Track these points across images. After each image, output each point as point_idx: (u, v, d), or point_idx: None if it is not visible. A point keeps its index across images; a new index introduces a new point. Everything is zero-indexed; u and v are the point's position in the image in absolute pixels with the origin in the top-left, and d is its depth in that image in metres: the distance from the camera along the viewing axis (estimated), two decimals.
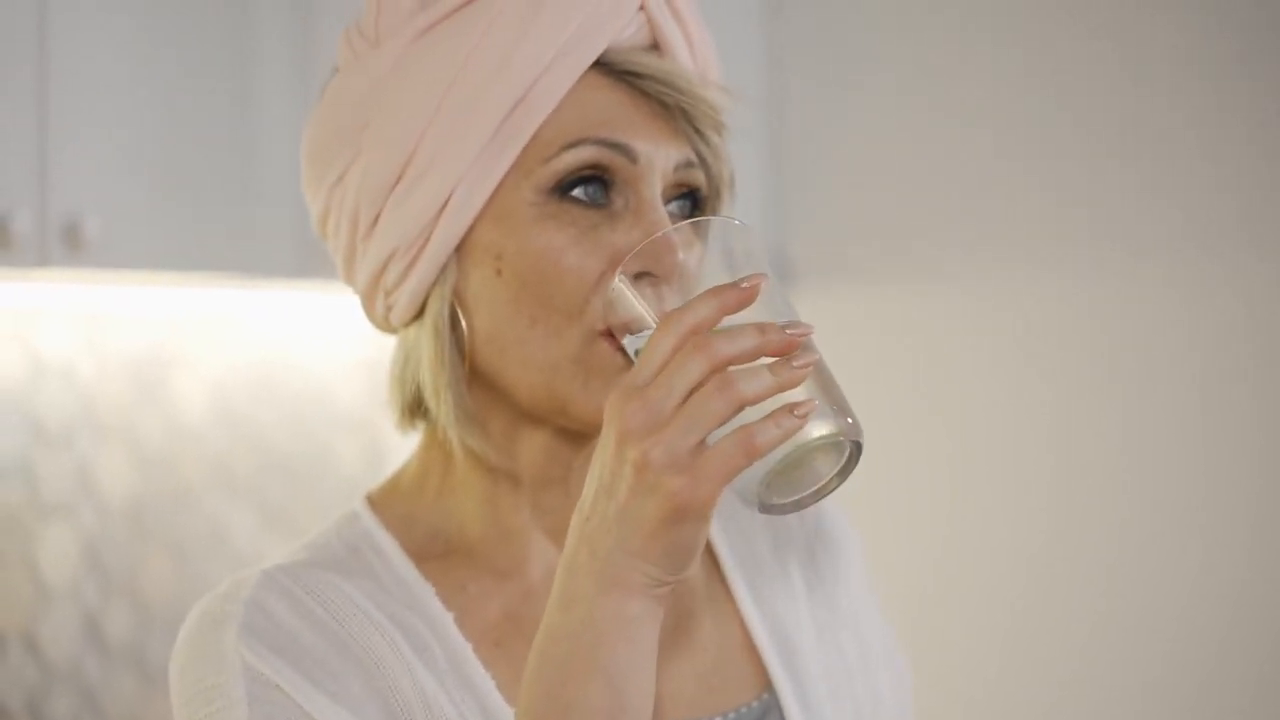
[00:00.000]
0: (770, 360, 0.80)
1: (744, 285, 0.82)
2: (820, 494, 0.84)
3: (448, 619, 0.96)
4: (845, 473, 0.84)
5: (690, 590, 1.04)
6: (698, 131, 0.98)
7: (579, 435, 0.98)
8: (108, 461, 2.00)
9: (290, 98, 1.86)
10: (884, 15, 2.30)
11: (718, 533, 1.06)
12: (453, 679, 0.95)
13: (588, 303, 0.94)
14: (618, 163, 0.95)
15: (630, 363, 0.91)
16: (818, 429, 0.82)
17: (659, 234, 0.88)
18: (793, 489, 0.83)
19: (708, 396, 0.79)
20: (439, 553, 1.00)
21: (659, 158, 0.96)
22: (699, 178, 0.99)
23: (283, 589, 0.94)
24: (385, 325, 1.01)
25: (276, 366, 2.26)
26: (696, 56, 1.01)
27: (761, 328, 0.80)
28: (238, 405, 2.19)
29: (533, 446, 0.99)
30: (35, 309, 1.92)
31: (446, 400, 0.97)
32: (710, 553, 1.06)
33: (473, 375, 0.98)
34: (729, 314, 0.81)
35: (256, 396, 2.22)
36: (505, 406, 0.98)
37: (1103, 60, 2.14)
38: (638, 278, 0.89)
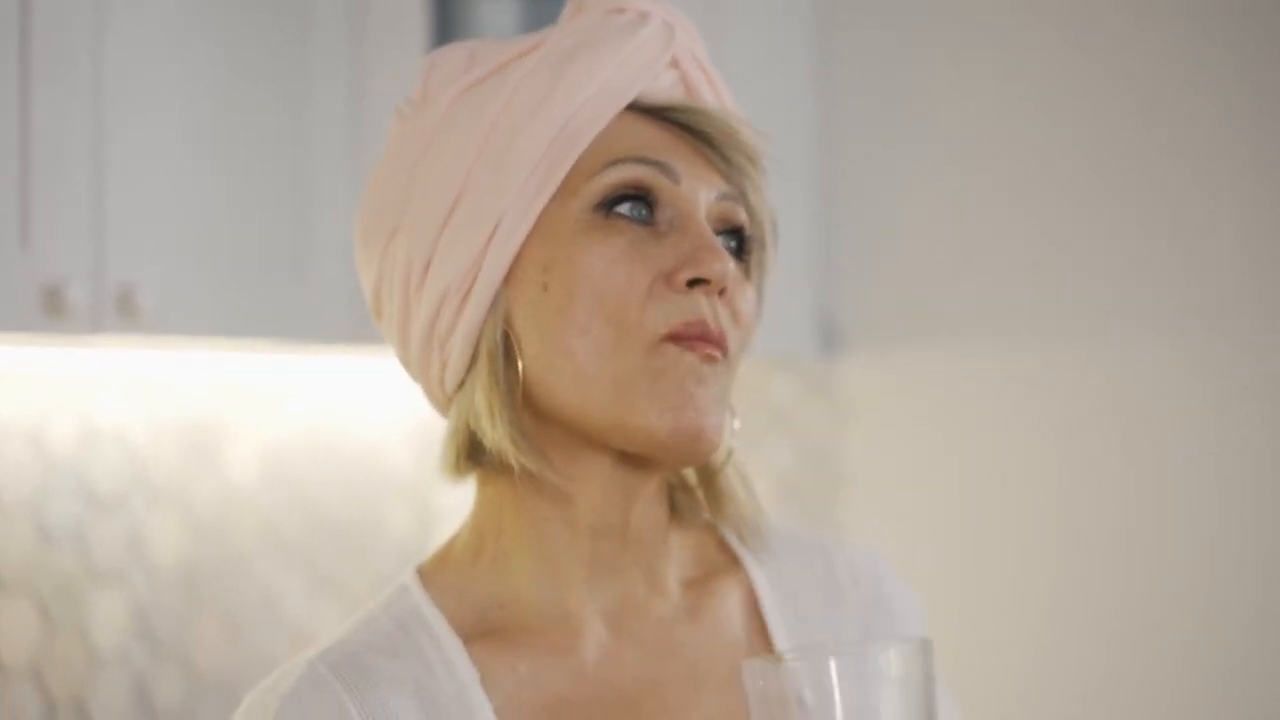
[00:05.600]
0: None
1: None
2: None
3: (488, 712, 0.96)
4: None
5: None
6: (735, 165, 1.00)
7: (640, 464, 0.98)
8: (159, 527, 2.01)
9: (344, 166, 1.88)
10: (937, 83, 2.31)
11: (772, 607, 1.06)
12: None
13: (643, 311, 0.95)
14: (660, 182, 0.97)
15: (704, 359, 0.93)
16: None
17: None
18: None
19: None
20: (492, 627, 1.00)
21: (701, 186, 0.98)
22: (741, 214, 1.00)
23: (324, 685, 0.95)
24: (440, 394, 1.02)
25: (328, 432, 2.26)
26: (726, 108, 1.04)
27: None
28: (289, 471, 2.19)
29: (593, 478, 0.99)
30: (89, 376, 1.93)
31: (502, 419, 0.96)
32: (763, 628, 1.05)
33: (529, 405, 0.98)
34: None
35: (308, 462, 2.23)
36: (563, 434, 0.98)
37: (1154, 142, 2.15)
38: (691, 284, 0.91)
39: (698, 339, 0.95)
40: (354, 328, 1.86)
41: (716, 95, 1.03)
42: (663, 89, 1.00)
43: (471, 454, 1.00)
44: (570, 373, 0.95)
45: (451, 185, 0.97)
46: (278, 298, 1.81)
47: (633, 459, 0.98)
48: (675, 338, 0.95)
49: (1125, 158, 2.17)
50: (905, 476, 2.32)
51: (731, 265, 0.96)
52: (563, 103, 0.96)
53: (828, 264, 2.36)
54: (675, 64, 1.01)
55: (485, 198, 0.96)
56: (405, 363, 1.03)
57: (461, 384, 0.99)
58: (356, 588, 2.27)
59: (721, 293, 0.97)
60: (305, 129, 1.85)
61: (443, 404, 1.02)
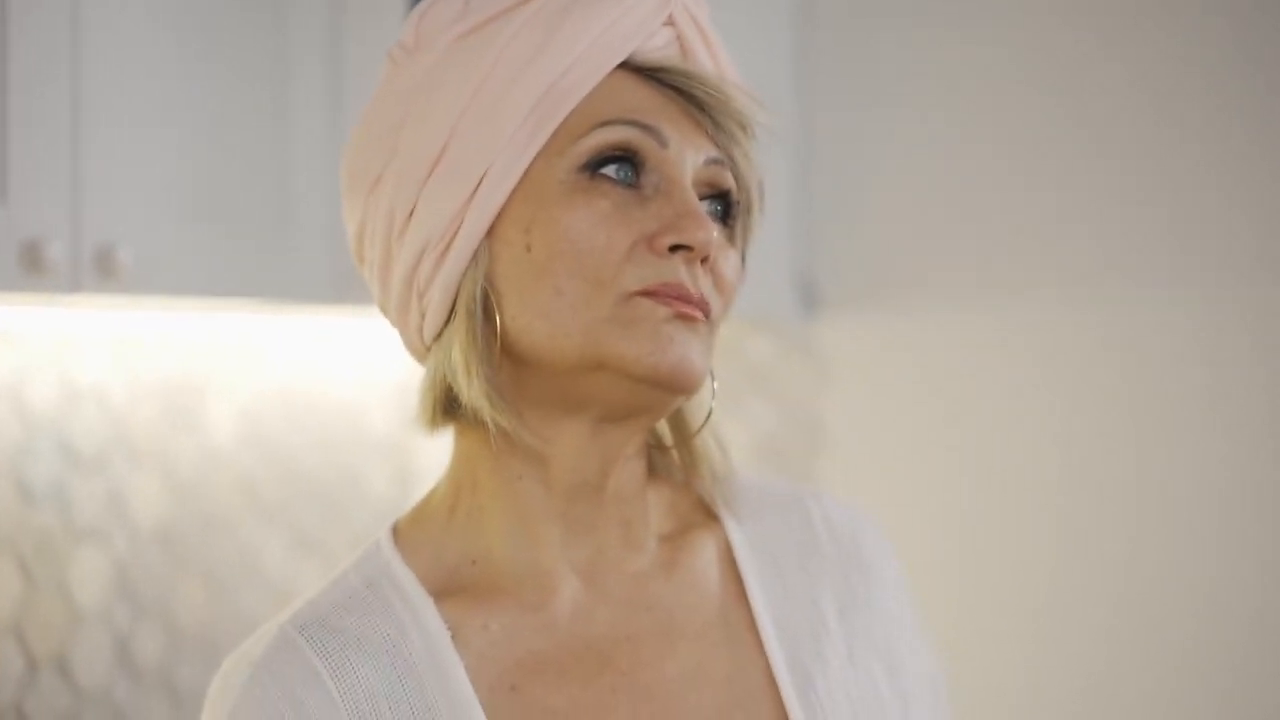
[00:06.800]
0: None
1: None
2: None
3: (459, 670, 0.96)
4: None
5: (715, 624, 1.03)
6: (725, 130, 0.99)
7: (621, 422, 0.98)
8: (140, 486, 2.01)
9: (325, 124, 1.87)
10: (916, 45, 2.30)
11: (747, 562, 1.06)
12: None
13: (620, 271, 0.95)
14: (648, 145, 0.97)
15: (677, 316, 0.93)
16: None
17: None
18: None
19: None
20: (464, 584, 1.00)
21: (689, 149, 0.98)
22: (728, 179, 1.00)
23: (294, 649, 0.96)
24: (418, 343, 1.01)
25: (309, 392, 2.26)
26: (722, 72, 1.03)
27: None
28: (269, 430, 2.20)
29: (570, 438, 0.99)
30: (68, 335, 1.93)
31: (478, 376, 0.96)
32: (738, 581, 1.06)
33: (508, 360, 0.98)
34: None
35: (288, 422, 2.23)
36: (541, 393, 0.98)
37: (1136, 99, 2.15)
38: (673, 249, 0.91)
39: (674, 298, 0.95)
40: (334, 287, 1.85)
41: (713, 57, 1.02)
42: (656, 48, 1.00)
43: (447, 407, 1.00)
44: (546, 331, 0.95)
45: (439, 135, 0.97)
46: (258, 257, 1.81)
47: (613, 418, 0.98)
48: (649, 294, 0.95)
49: (1107, 116, 2.16)
50: (885, 437, 2.33)
51: (715, 233, 0.95)
52: (555, 58, 0.96)
53: (807, 224, 2.36)
54: (671, 23, 1.01)
55: (472, 150, 0.96)
56: (384, 310, 1.03)
57: (439, 335, 0.99)
58: (336, 546, 2.27)
59: (704, 260, 0.97)
60: (285, 85, 1.85)
61: (420, 352, 1.02)
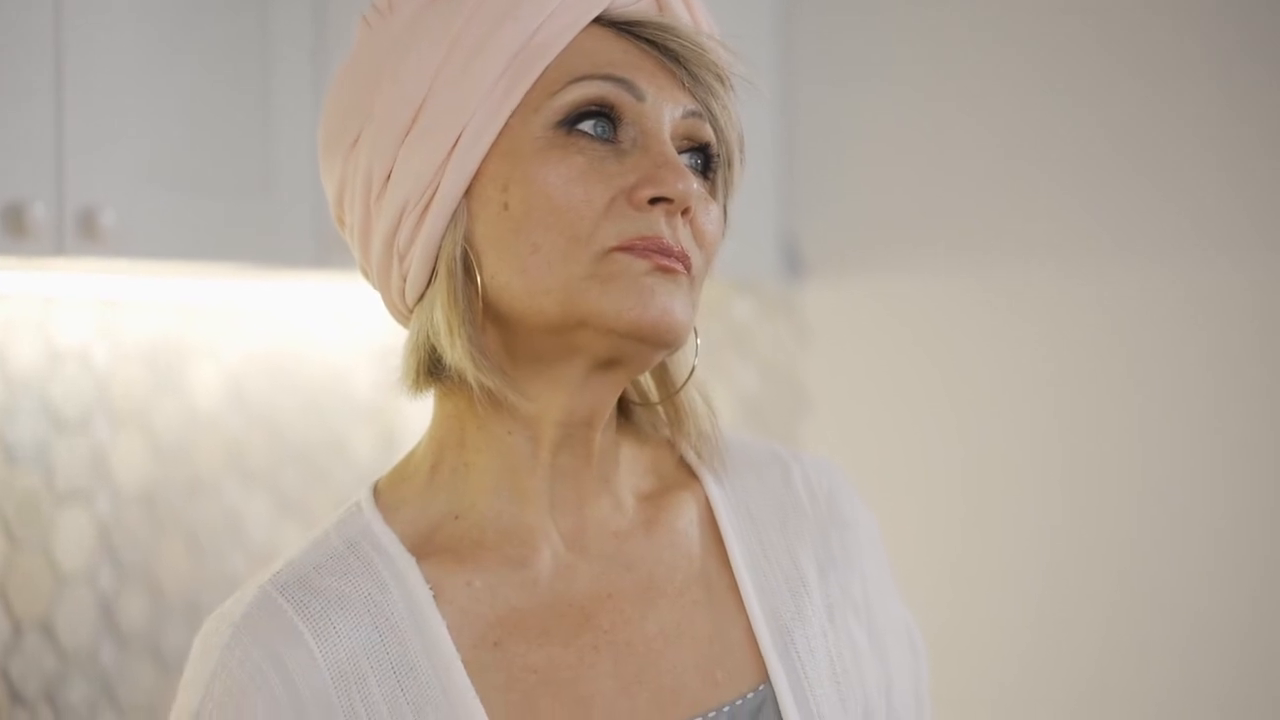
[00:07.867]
0: None
1: None
2: None
3: (441, 629, 0.96)
4: None
5: (695, 582, 1.04)
6: (702, 83, 0.99)
7: (606, 372, 0.98)
8: (123, 449, 2.01)
9: (307, 88, 1.87)
10: (900, 9, 2.30)
11: (727, 521, 1.07)
12: (438, 700, 0.95)
13: (597, 227, 0.94)
14: (625, 100, 0.96)
15: (657, 268, 0.93)
16: None
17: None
18: None
19: None
20: (446, 541, 1.00)
21: (666, 103, 0.97)
22: (708, 131, 0.99)
23: (276, 610, 0.96)
24: (401, 305, 1.01)
25: (292, 355, 2.26)
26: (700, 27, 1.03)
27: None
28: (253, 394, 2.20)
29: (556, 393, 0.98)
30: (51, 297, 1.93)
31: (461, 336, 0.96)
32: (718, 540, 1.06)
33: (490, 320, 0.97)
34: None
35: (272, 385, 2.23)
36: (526, 349, 0.98)
37: (1115, 59, 2.14)
38: (653, 202, 0.91)
39: (654, 251, 0.95)
40: (318, 251, 1.85)
41: (691, 12, 1.02)
42: (631, 3, 0.99)
43: (431, 369, 1.00)
44: (524, 288, 0.95)
45: (414, 95, 0.96)
46: (241, 220, 1.81)
47: (599, 369, 0.98)
48: (627, 249, 0.94)
49: (1092, 81, 2.16)
50: (866, 400, 2.33)
51: (695, 185, 0.95)
52: (528, 14, 0.96)
53: (791, 187, 2.36)
54: None
55: (447, 109, 0.96)
56: (366, 273, 1.03)
57: (421, 297, 0.99)
58: (320, 509, 2.27)
59: (685, 213, 0.96)
60: (267, 48, 1.84)
61: (403, 315, 1.02)
